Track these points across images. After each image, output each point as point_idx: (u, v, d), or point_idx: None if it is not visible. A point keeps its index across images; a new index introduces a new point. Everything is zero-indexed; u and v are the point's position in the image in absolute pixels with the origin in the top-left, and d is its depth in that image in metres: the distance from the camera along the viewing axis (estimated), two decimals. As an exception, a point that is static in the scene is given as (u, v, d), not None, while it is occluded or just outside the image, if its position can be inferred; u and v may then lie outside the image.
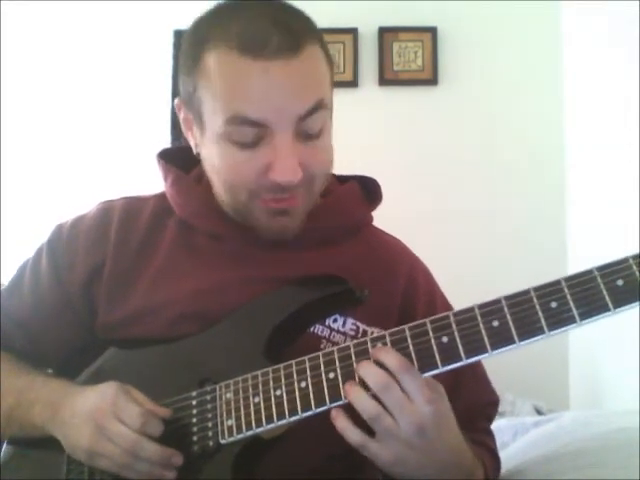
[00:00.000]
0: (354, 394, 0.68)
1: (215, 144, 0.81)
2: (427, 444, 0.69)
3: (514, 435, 1.41)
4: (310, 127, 0.80)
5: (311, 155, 0.81)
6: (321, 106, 0.80)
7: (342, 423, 0.69)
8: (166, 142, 2.36)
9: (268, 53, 0.75)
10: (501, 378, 1.81)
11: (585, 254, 2.18)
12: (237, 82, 0.77)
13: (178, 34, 2.40)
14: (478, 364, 0.95)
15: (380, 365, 0.68)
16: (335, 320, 0.86)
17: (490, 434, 0.95)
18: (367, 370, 0.68)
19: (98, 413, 0.75)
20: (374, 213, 0.99)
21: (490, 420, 0.98)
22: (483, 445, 0.90)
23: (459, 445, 0.75)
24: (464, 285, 1.67)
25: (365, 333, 0.86)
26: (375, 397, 0.67)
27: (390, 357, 0.68)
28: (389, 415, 0.67)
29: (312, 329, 0.85)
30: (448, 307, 0.96)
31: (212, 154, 0.83)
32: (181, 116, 0.89)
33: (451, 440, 0.73)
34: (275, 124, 0.77)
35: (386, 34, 2.45)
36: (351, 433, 0.68)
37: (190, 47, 0.82)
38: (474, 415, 0.93)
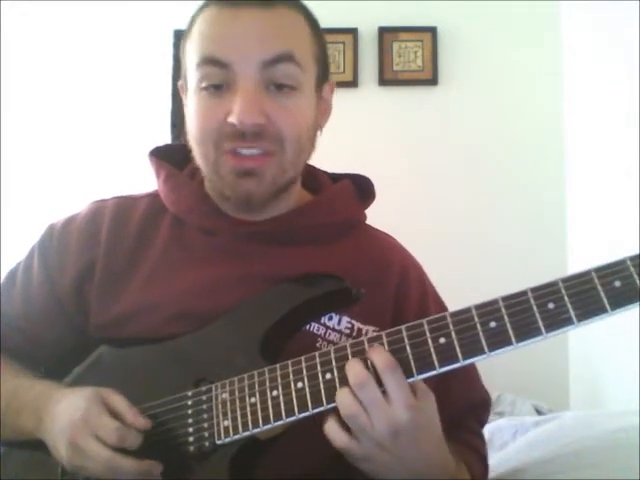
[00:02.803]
0: (338, 393, 0.68)
1: (191, 99, 0.85)
2: (400, 448, 0.68)
3: (514, 435, 1.41)
4: (277, 77, 0.81)
5: (278, 109, 0.82)
6: (290, 59, 0.81)
7: (331, 425, 0.69)
8: (166, 142, 2.36)
9: (240, 3, 0.81)
10: (501, 378, 1.82)
11: (585, 254, 2.18)
12: (208, 27, 0.83)
13: (178, 34, 2.39)
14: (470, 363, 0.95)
15: (371, 363, 0.68)
16: (330, 318, 0.86)
17: (480, 436, 0.94)
18: (350, 366, 0.68)
19: (72, 430, 0.74)
20: (372, 212, 0.99)
21: (480, 422, 0.97)
22: (472, 448, 0.90)
23: (439, 459, 0.74)
24: (462, 285, 1.67)
25: (360, 331, 0.86)
26: (354, 394, 0.67)
27: (378, 356, 0.68)
28: (365, 413, 0.67)
29: (308, 327, 0.84)
30: (440, 303, 0.97)
31: (188, 111, 0.86)
32: (183, 97, 0.90)
33: (429, 451, 0.72)
34: (239, 67, 0.80)
35: (386, 34, 2.45)
36: (337, 436, 0.68)
37: (189, 20, 0.87)
38: (463, 414, 0.92)
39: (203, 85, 0.82)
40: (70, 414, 0.75)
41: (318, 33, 0.87)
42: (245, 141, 0.81)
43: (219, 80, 0.81)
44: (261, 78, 0.80)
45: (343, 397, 0.68)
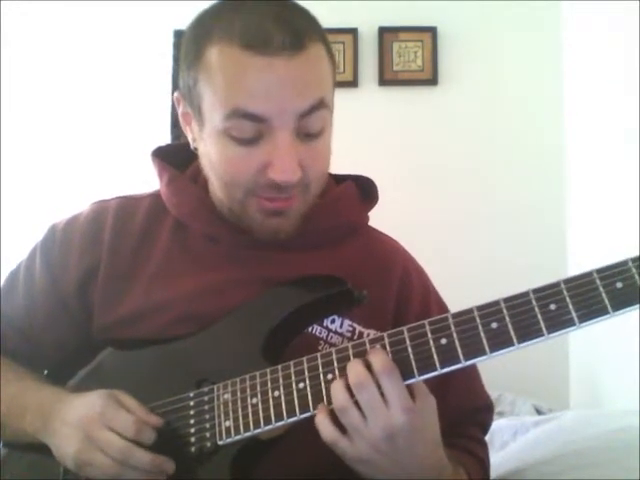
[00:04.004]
0: (333, 385, 0.69)
1: (214, 139, 0.81)
2: (396, 452, 0.68)
3: (514, 435, 1.41)
4: (310, 126, 0.79)
5: (310, 156, 0.81)
6: (322, 105, 0.79)
7: (320, 417, 0.69)
8: (166, 142, 2.36)
9: (271, 49, 0.75)
10: (501, 378, 1.82)
11: (585, 255, 2.18)
12: (239, 76, 0.76)
13: (178, 34, 2.39)
14: (471, 366, 0.94)
15: (370, 365, 0.68)
16: (333, 321, 0.86)
17: (481, 443, 0.94)
18: (351, 365, 0.69)
19: (87, 422, 0.74)
20: (373, 212, 0.99)
21: (483, 427, 0.96)
22: (472, 454, 0.89)
23: (436, 462, 0.74)
24: (464, 284, 1.68)
25: (361, 334, 0.86)
26: (349, 390, 0.67)
27: (376, 358, 0.68)
28: (359, 412, 0.67)
29: (310, 330, 0.84)
30: (442, 306, 0.96)
31: (210, 150, 0.83)
32: (180, 110, 0.88)
33: (426, 454, 0.71)
34: (276, 120, 0.77)
35: (386, 34, 2.45)
36: (325, 428, 0.69)
37: (192, 41, 0.82)
38: (464, 420, 0.92)
39: (233, 135, 0.79)
40: (85, 411, 0.75)
41: (331, 53, 0.84)
42: (280, 192, 0.81)
43: (252, 133, 0.78)
44: (296, 127, 0.78)
45: (337, 390, 0.68)
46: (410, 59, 2.44)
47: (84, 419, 0.74)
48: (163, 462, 0.73)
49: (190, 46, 0.82)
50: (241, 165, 0.80)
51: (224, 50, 0.77)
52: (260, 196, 0.82)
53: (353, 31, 2.44)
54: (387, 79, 2.45)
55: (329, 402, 0.69)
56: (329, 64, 0.82)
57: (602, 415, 1.34)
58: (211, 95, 0.79)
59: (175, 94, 0.88)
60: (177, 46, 2.41)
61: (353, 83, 2.43)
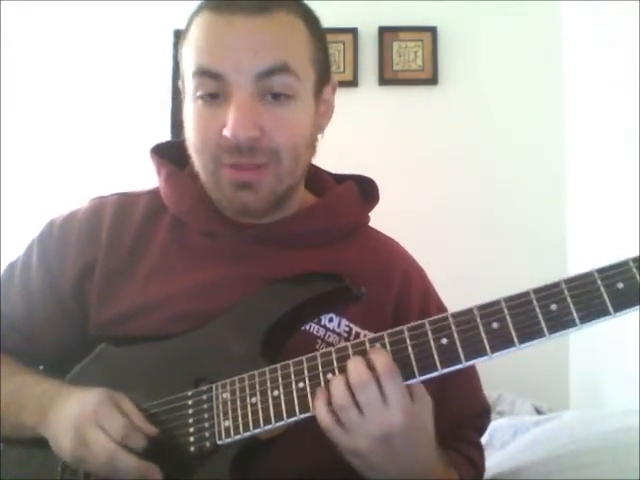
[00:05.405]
0: (333, 380, 0.69)
1: (188, 105, 0.84)
2: (391, 452, 0.69)
3: (514, 434, 1.42)
4: (273, 88, 0.80)
5: (274, 120, 0.80)
6: (286, 70, 0.80)
7: (318, 403, 0.69)
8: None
9: (233, 9, 0.79)
10: (501, 378, 1.82)
11: (585, 255, 2.17)
12: (202, 35, 0.81)
13: (178, 34, 2.38)
14: (471, 369, 0.93)
15: (371, 364, 0.68)
16: (331, 320, 0.85)
17: (477, 446, 0.94)
18: (352, 364, 0.68)
19: (80, 419, 0.74)
20: (373, 212, 0.98)
21: (480, 431, 0.96)
22: (465, 457, 0.89)
23: (428, 461, 0.75)
24: (463, 285, 1.67)
25: (357, 335, 0.85)
26: (350, 388, 0.67)
27: (379, 358, 0.67)
28: (358, 410, 0.67)
29: (308, 328, 0.84)
30: (442, 309, 0.95)
31: (187, 118, 0.85)
32: (183, 98, 0.89)
33: (419, 454, 0.72)
34: (233, 78, 0.79)
35: (386, 34, 2.44)
36: (322, 415, 0.69)
37: (185, 25, 0.86)
38: (462, 425, 0.92)
39: (199, 94, 0.81)
40: (80, 407, 0.76)
41: (318, 35, 0.85)
42: (242, 156, 0.80)
43: (214, 90, 0.80)
44: (256, 89, 0.79)
45: (337, 387, 0.68)
46: (410, 59, 2.44)
47: (78, 415, 0.75)
48: (148, 469, 0.73)
49: (185, 25, 0.86)
50: (206, 126, 0.81)
51: (197, 18, 0.83)
52: (226, 164, 0.82)
53: (353, 31, 2.43)
54: (387, 79, 2.44)
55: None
56: (305, 37, 0.83)
57: (602, 415, 1.34)
58: (186, 60, 0.83)
59: (179, 83, 0.90)
60: (177, 46, 2.40)
61: (353, 83, 2.42)
